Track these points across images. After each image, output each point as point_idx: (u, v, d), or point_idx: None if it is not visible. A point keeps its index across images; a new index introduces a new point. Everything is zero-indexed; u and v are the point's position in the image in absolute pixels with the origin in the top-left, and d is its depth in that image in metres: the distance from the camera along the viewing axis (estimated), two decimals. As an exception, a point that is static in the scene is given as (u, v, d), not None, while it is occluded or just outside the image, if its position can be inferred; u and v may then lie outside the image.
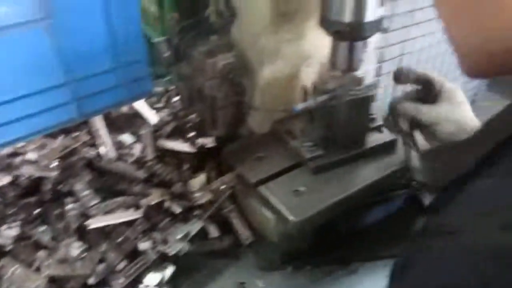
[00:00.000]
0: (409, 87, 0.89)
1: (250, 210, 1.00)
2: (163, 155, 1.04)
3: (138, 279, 0.86)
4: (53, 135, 0.91)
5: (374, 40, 1.18)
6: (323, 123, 0.91)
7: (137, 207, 0.92)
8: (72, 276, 0.82)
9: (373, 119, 0.99)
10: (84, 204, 0.90)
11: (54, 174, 0.89)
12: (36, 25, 0.72)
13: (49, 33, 0.74)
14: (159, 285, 0.86)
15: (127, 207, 0.92)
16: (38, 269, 0.83)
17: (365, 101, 0.90)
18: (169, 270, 0.89)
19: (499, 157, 0.41)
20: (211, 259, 0.95)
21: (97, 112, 0.88)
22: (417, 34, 1.60)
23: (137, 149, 0.97)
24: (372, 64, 1.19)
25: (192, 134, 1.04)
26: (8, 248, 0.84)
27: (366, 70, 1.13)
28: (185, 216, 0.96)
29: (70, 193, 0.92)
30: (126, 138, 0.98)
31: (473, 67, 0.54)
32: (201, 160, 1.08)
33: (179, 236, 0.91)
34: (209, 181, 1.03)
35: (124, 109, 1.03)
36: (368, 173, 0.92)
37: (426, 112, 0.80)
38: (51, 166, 0.89)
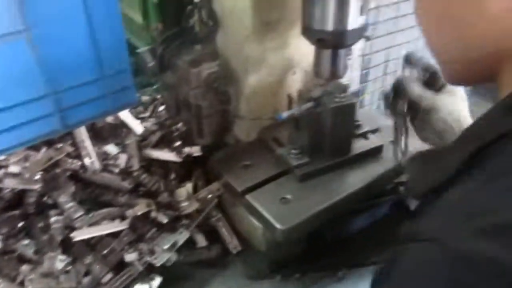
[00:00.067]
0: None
1: (238, 218, 1.00)
2: (149, 165, 1.04)
3: (124, 291, 0.85)
4: (36, 147, 0.90)
5: (359, 47, 1.19)
6: (309, 130, 0.92)
7: (122, 218, 0.91)
8: (57, 290, 0.81)
9: (358, 126, 1.00)
10: (69, 216, 0.88)
11: (37, 186, 0.88)
12: (17, 37, 0.71)
13: (30, 44, 0.73)
14: (146, 296, 0.86)
15: (113, 218, 0.91)
16: (22, 284, 0.81)
17: (350, 108, 0.90)
18: (156, 281, 0.88)
19: (475, 164, 0.42)
20: (198, 268, 0.95)
21: (81, 123, 0.87)
22: (402, 41, 1.63)
23: (122, 160, 0.96)
24: (357, 71, 1.20)
25: (178, 143, 1.03)
26: (-10, 263, 0.82)
27: (351, 77, 1.15)
28: (172, 226, 0.95)
29: (54, 206, 0.91)
30: (111, 148, 0.97)
31: (454, 75, 0.55)
32: (187, 169, 1.07)
33: (166, 247, 0.90)
34: (196, 190, 1.03)
35: (109, 119, 1.03)
36: (355, 180, 0.92)
37: (430, 97, 0.80)
38: (35, 178, 0.88)
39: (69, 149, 0.92)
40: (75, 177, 0.94)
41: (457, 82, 0.58)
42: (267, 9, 0.89)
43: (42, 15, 0.72)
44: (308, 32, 0.82)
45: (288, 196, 0.87)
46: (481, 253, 0.33)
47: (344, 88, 0.90)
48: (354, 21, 0.77)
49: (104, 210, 0.92)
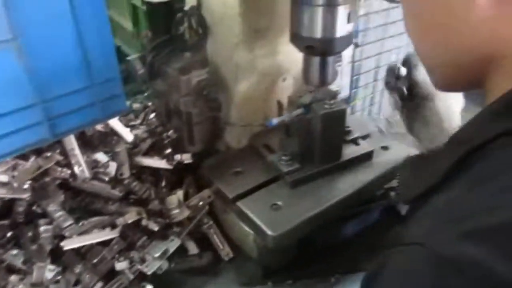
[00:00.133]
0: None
1: (229, 225, 1.00)
2: (140, 172, 1.03)
3: (115, 300, 0.84)
4: (24, 156, 0.89)
5: (348, 54, 1.20)
6: (299, 137, 0.92)
7: (113, 226, 0.91)
8: (46, 300, 0.80)
9: (349, 132, 1.01)
10: (58, 225, 0.88)
11: (26, 195, 0.87)
12: (5, 46, 0.71)
13: (18, 53, 0.73)
14: (137, 305, 0.85)
15: (103, 226, 0.91)
16: (10, 294, 0.80)
17: (340, 114, 0.91)
18: (147, 290, 0.87)
19: (463, 170, 0.43)
20: (190, 276, 0.94)
21: (70, 131, 0.87)
22: (392, 47, 1.64)
23: (112, 168, 0.96)
24: (347, 77, 1.21)
25: (169, 150, 1.03)
26: (-21, 274, 0.81)
27: (341, 83, 1.16)
28: (163, 234, 0.95)
29: (44, 215, 0.90)
30: (101, 156, 0.97)
31: (442, 80, 0.55)
32: (178, 176, 1.07)
33: (157, 254, 0.90)
34: (187, 197, 1.03)
35: (99, 127, 1.02)
36: (345, 186, 0.92)
37: (430, 86, 0.80)
38: (24, 187, 0.87)
39: (58, 157, 0.91)
40: (65, 185, 0.94)
41: (445, 88, 0.59)
42: (256, 16, 0.90)
43: (30, 23, 0.72)
44: (296, 39, 0.82)
45: (279, 203, 0.87)
46: (466, 257, 0.33)
47: (334, 95, 0.91)
48: (342, 28, 0.78)
49: (94, 219, 0.92)
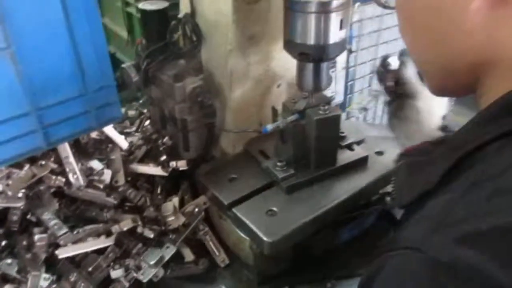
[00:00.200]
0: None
1: (225, 232, 1.00)
2: (135, 179, 1.03)
3: (110, 309, 0.84)
4: (19, 164, 0.89)
5: (343, 60, 1.21)
6: (294, 142, 0.92)
7: (108, 234, 0.91)
8: (41, 310, 0.79)
9: (344, 137, 1.01)
10: (53, 234, 0.87)
11: (21, 204, 0.87)
12: (-1, 54, 0.71)
13: (12, 61, 0.73)
14: (133, 313, 0.85)
15: (98, 234, 0.90)
16: (4, 304, 0.80)
17: (335, 120, 0.91)
18: (143, 297, 0.87)
19: (458, 173, 0.43)
20: (186, 283, 0.94)
21: (64, 139, 0.87)
22: (386, 52, 1.65)
23: (107, 175, 0.96)
24: (341, 83, 1.22)
25: (164, 157, 1.03)
26: (-28, 284, 0.81)
27: (336, 89, 1.16)
28: (159, 241, 0.95)
29: (38, 223, 0.90)
30: (96, 164, 0.97)
31: (437, 85, 0.56)
32: (174, 183, 1.07)
33: (152, 262, 0.90)
34: (182, 203, 1.03)
35: (94, 134, 1.02)
36: (341, 191, 0.92)
37: (416, 84, 0.83)
38: (18, 196, 0.87)
39: (53, 165, 0.91)
40: (59, 193, 0.94)
41: (440, 92, 0.59)
42: (249, 24, 0.90)
43: (23, 32, 0.72)
44: (290, 46, 0.83)
45: (275, 209, 0.87)
46: (462, 261, 0.34)
47: (328, 100, 0.91)
48: (335, 35, 0.79)
49: (89, 227, 0.91)
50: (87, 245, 0.89)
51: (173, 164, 1.02)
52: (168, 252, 0.92)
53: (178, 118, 0.98)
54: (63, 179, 0.92)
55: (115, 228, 0.91)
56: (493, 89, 0.45)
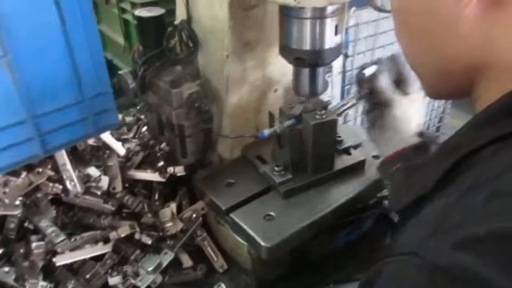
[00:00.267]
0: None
1: (223, 237, 1.00)
2: (133, 186, 1.03)
3: (108, 316, 0.84)
4: (16, 172, 0.88)
5: (339, 65, 1.21)
6: (291, 147, 0.92)
7: (106, 241, 0.90)
8: (38, 318, 0.79)
9: (341, 141, 1.01)
10: (51, 241, 0.87)
11: (18, 212, 0.86)
12: (-5, 63, 0.72)
13: (9, 69, 0.73)
14: (131, 320, 0.84)
15: (96, 241, 0.90)
16: (2, 313, 0.79)
17: (331, 124, 0.91)
18: (141, 304, 0.87)
19: (454, 177, 0.43)
20: (185, 289, 0.94)
21: (61, 146, 0.87)
22: (382, 56, 1.66)
23: (105, 182, 0.96)
24: (337, 87, 1.22)
25: (161, 163, 1.03)
26: (-31, 292, 0.80)
27: (332, 93, 1.17)
28: (157, 247, 0.95)
29: (36, 231, 0.90)
30: (93, 171, 0.97)
31: (433, 88, 0.56)
32: (172, 189, 1.07)
33: (150, 268, 0.90)
34: (180, 209, 1.03)
35: (91, 141, 1.02)
36: (338, 195, 0.93)
37: (391, 93, 0.85)
38: (15, 203, 0.87)
39: (50, 173, 0.91)
40: (57, 201, 0.93)
41: (436, 95, 0.60)
42: (245, 29, 0.91)
43: (20, 40, 0.73)
44: (286, 51, 0.83)
45: (272, 213, 0.87)
46: (460, 265, 0.34)
47: (325, 105, 0.91)
48: (330, 40, 0.79)
49: (87, 234, 0.91)
50: (85, 252, 0.89)
51: (170, 170, 1.02)
52: (166, 258, 0.92)
53: (175, 124, 0.98)
54: (60, 186, 0.91)
55: (112, 235, 0.91)
56: (488, 92, 0.46)
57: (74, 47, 0.78)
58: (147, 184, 1.06)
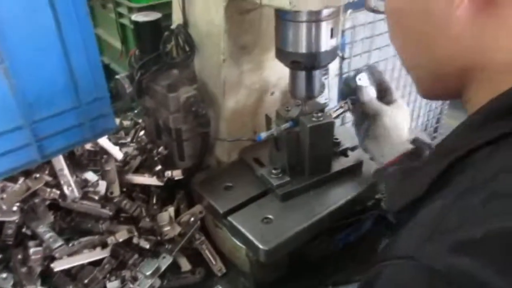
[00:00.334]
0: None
1: (221, 240, 1.00)
2: (130, 190, 1.03)
3: (107, 321, 0.83)
4: (13, 178, 0.88)
5: (335, 67, 1.22)
6: (288, 150, 0.92)
7: (104, 245, 0.90)
8: (36, 324, 0.79)
9: (338, 143, 1.01)
10: (49, 247, 0.87)
11: (15, 218, 0.86)
12: (-9, 69, 0.72)
13: (5, 75, 0.73)
14: (130, 325, 0.84)
15: (94, 246, 0.90)
16: (0, 319, 0.79)
17: (328, 127, 0.91)
18: (140, 309, 0.87)
19: (449, 179, 0.43)
20: (183, 293, 0.94)
21: (59, 152, 0.87)
22: (378, 59, 1.66)
23: (102, 186, 0.96)
24: (334, 90, 1.22)
25: (159, 167, 1.03)
26: (-33, 299, 0.80)
27: (329, 96, 1.17)
28: (155, 251, 0.95)
29: (34, 236, 0.89)
30: (91, 175, 0.97)
31: (427, 89, 0.57)
32: (169, 192, 1.07)
33: (149, 272, 0.89)
34: (178, 213, 1.03)
35: (88, 146, 1.02)
36: (336, 197, 0.93)
37: (377, 104, 0.88)
38: (13, 209, 0.86)
39: (47, 178, 0.91)
40: (55, 206, 0.93)
41: (428, 96, 0.60)
42: (241, 33, 0.91)
43: (16, 46, 0.73)
44: (282, 54, 0.84)
45: (270, 216, 0.87)
46: (456, 267, 0.34)
47: (322, 107, 0.92)
48: (326, 43, 0.79)
49: (85, 239, 0.91)
50: (83, 257, 0.89)
51: (168, 173, 1.02)
52: (165, 262, 0.92)
53: (172, 128, 0.98)
54: (58, 192, 0.91)
55: (110, 240, 0.91)
56: (479, 94, 0.46)
57: (71, 52, 0.78)
58: (145, 188, 1.06)
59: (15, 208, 0.87)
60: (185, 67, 0.97)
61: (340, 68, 1.45)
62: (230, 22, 0.88)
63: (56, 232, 0.90)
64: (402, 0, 0.50)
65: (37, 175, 0.89)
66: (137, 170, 1.08)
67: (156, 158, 1.04)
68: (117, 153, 1.04)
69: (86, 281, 0.87)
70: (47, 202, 0.92)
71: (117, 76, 0.98)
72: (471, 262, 0.33)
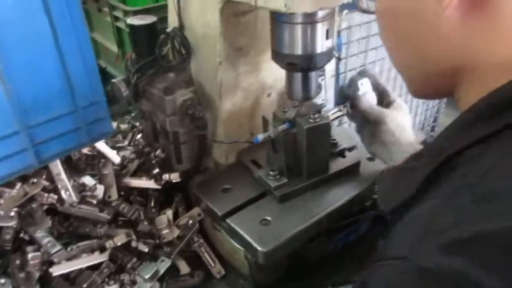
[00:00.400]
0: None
1: (219, 242, 1.00)
2: (128, 194, 1.03)
3: (106, 326, 0.83)
4: (10, 183, 0.88)
5: (331, 68, 1.22)
6: (286, 151, 0.93)
7: (102, 249, 0.90)
8: (35, 329, 0.78)
9: (335, 144, 1.01)
10: (47, 251, 0.87)
11: (13, 223, 0.86)
12: (-13, 74, 0.72)
13: (1, 80, 0.73)
14: (129, 329, 0.84)
15: (92, 250, 0.90)
16: (-2, 325, 0.79)
17: (325, 128, 0.92)
18: (139, 313, 0.87)
19: (440, 178, 0.43)
20: (183, 296, 0.93)
21: (56, 156, 0.87)
22: (375, 59, 1.67)
23: (100, 190, 0.96)
24: (331, 90, 1.23)
25: (157, 170, 1.03)
26: (-35, 305, 0.80)
27: (326, 96, 1.17)
28: (154, 255, 0.94)
29: (32, 241, 0.89)
30: (88, 180, 0.97)
31: (418, 89, 0.57)
32: (167, 195, 1.07)
33: (147, 276, 0.89)
34: (177, 216, 1.03)
35: (85, 150, 1.02)
36: (334, 198, 0.93)
37: (378, 110, 0.87)
38: (10, 215, 0.86)
39: (45, 183, 0.91)
40: (52, 211, 0.93)
41: (420, 95, 0.60)
42: (237, 35, 0.91)
43: (11, 50, 0.73)
44: (277, 56, 0.84)
45: (269, 218, 0.87)
46: (447, 267, 0.34)
47: (319, 108, 0.92)
48: (321, 44, 0.80)
49: (83, 243, 0.91)
50: (81, 261, 0.88)
51: (166, 176, 1.02)
52: (163, 265, 0.92)
53: (169, 131, 0.98)
54: (56, 196, 0.91)
55: (109, 244, 0.91)
56: (469, 94, 0.46)
57: (66, 56, 0.78)
58: (143, 191, 1.06)
59: (12, 214, 0.87)
60: (182, 70, 0.97)
61: (337, 68, 1.46)
62: (225, 24, 0.88)
63: (54, 236, 0.90)
64: (392, 0, 0.50)
65: (34, 180, 0.89)
66: (135, 174, 1.08)
67: (153, 161, 1.04)
68: (115, 157, 1.03)
69: (85, 285, 0.86)
70: (45, 207, 0.92)
71: (113, 80, 0.98)
72: (462, 261, 0.33)
